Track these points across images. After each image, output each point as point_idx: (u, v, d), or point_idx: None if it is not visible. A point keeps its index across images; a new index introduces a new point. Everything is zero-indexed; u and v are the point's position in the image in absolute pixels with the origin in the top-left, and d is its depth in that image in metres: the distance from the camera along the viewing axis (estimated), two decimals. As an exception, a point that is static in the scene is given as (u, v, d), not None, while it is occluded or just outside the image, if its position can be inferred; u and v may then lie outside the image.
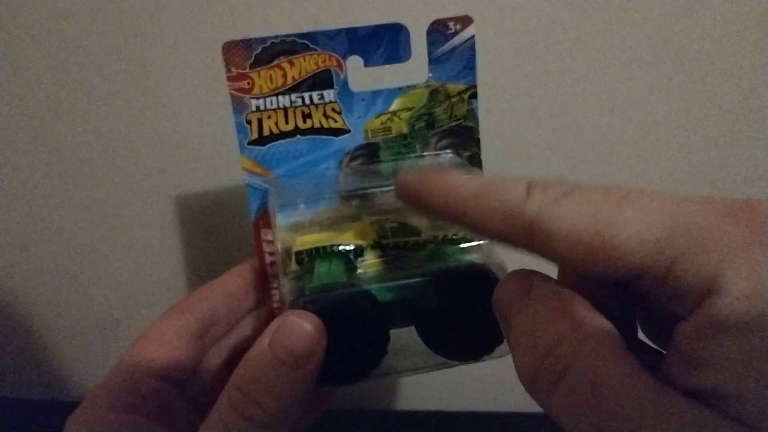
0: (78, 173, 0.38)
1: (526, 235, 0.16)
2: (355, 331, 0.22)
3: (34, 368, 0.43)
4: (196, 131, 0.37)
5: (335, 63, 0.27)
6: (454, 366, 0.24)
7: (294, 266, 0.24)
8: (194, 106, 0.36)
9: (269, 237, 0.28)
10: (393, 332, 0.23)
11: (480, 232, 0.18)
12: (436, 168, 0.20)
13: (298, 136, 0.28)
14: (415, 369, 0.24)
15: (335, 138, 0.28)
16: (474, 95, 0.28)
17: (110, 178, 0.38)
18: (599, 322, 0.16)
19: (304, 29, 0.27)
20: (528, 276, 0.18)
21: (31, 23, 0.35)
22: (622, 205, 0.15)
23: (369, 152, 0.29)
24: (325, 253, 0.24)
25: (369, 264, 0.24)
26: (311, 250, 0.24)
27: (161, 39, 0.35)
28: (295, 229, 0.27)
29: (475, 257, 0.24)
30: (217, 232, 0.40)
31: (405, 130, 0.28)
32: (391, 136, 0.28)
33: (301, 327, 0.21)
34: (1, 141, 0.38)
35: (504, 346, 0.23)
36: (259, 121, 0.27)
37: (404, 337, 0.24)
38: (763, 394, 0.13)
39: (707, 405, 0.14)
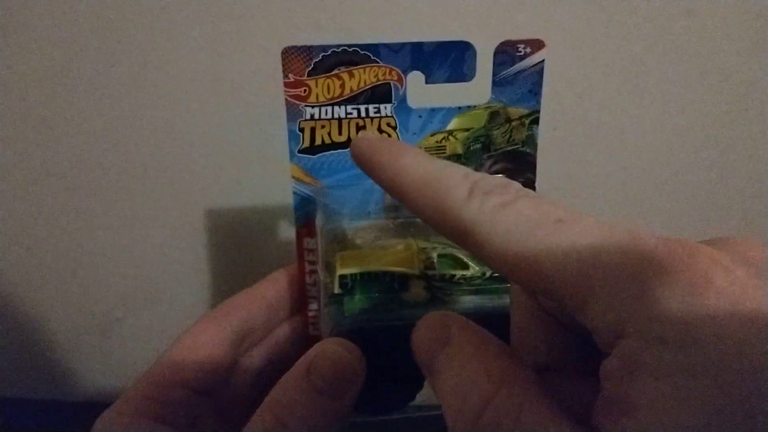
0: (78, 173, 0.38)
1: (461, 237, 0.17)
2: (393, 363, 0.22)
3: (35, 368, 0.43)
4: (198, 131, 0.37)
5: (396, 77, 0.26)
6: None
7: (337, 289, 0.23)
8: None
9: (311, 246, 0.28)
10: None
11: (421, 219, 0.18)
12: (392, 141, 0.21)
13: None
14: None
15: (387, 153, 0.27)
16: (536, 121, 0.27)
17: (110, 178, 0.38)
18: (524, 374, 0.16)
19: (367, 40, 0.26)
20: (444, 323, 0.18)
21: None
22: (555, 230, 0.15)
23: (420, 170, 0.28)
24: (369, 278, 0.23)
25: (413, 295, 0.23)
26: (356, 275, 0.23)
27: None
28: (338, 241, 0.27)
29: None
30: (219, 231, 0.39)
31: (460, 150, 0.27)
32: (444, 155, 0.28)
33: (341, 356, 0.20)
34: (7, 140, 0.37)
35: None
36: (312, 129, 0.27)
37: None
38: None
39: None
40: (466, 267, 0.24)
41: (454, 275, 0.23)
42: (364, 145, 0.19)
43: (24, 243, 0.40)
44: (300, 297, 0.28)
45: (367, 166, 0.19)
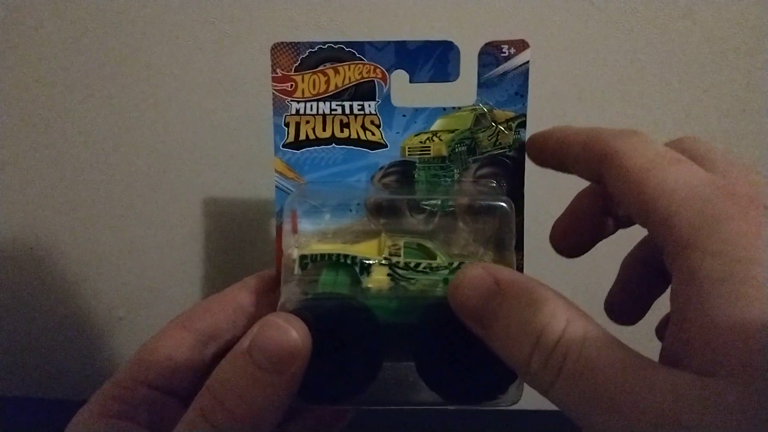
0: (79, 173, 0.39)
1: (602, 157, 0.21)
2: (345, 347, 0.21)
3: (36, 367, 0.44)
4: (199, 133, 0.38)
5: (380, 75, 0.26)
6: (451, 407, 0.21)
7: (297, 270, 0.23)
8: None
9: (292, 242, 0.28)
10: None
11: (573, 153, 0.23)
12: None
13: (334, 145, 0.27)
14: (407, 404, 0.22)
15: (370, 151, 0.27)
16: (523, 124, 0.27)
17: (112, 177, 0.39)
18: (578, 309, 0.18)
19: (353, 38, 0.26)
20: (489, 274, 0.19)
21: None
22: (670, 166, 0.19)
23: (403, 170, 0.27)
24: (332, 262, 0.23)
25: (375, 280, 0.22)
26: (316, 255, 0.23)
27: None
28: (317, 237, 0.26)
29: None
30: (222, 231, 0.40)
31: (444, 152, 0.27)
32: (428, 156, 0.27)
33: (284, 330, 0.20)
34: (8, 140, 0.39)
35: (506, 395, 0.21)
36: (297, 124, 0.27)
37: (400, 369, 0.22)
38: (713, 345, 0.15)
39: (676, 365, 0.16)
40: (433, 257, 0.23)
41: (419, 263, 0.22)
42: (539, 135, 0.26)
43: (25, 243, 0.41)
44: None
45: (540, 148, 0.25)
